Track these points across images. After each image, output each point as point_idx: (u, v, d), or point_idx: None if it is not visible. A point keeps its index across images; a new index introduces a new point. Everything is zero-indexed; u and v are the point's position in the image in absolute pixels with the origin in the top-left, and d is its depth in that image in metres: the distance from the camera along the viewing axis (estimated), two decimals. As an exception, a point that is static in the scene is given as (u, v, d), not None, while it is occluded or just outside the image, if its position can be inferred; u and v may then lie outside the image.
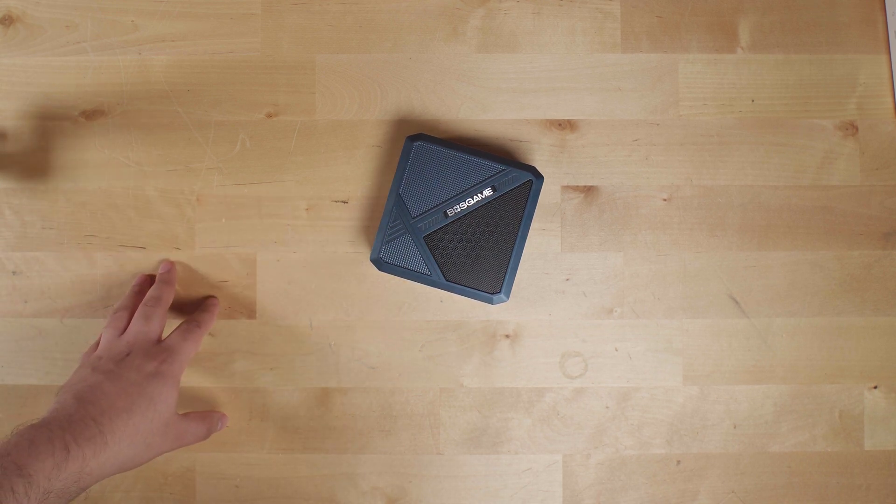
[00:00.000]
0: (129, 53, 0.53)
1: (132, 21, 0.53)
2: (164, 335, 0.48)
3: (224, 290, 0.53)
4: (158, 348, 0.46)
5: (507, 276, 0.49)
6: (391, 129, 0.53)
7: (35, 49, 0.53)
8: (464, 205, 0.49)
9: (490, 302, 0.49)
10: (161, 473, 0.52)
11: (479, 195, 0.49)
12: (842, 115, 0.53)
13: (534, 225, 0.53)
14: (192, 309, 0.52)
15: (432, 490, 0.53)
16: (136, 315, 0.47)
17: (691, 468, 0.53)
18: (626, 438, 0.53)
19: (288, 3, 0.53)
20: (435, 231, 0.49)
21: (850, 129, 0.53)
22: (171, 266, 0.52)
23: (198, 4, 0.53)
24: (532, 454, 0.53)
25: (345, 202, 0.53)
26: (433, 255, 0.49)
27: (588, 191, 0.53)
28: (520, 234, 0.48)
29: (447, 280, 0.49)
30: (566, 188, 0.53)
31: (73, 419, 0.39)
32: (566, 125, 0.53)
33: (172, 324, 0.50)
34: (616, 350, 0.53)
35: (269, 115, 0.53)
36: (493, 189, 0.49)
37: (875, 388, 0.53)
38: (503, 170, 0.49)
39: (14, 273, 0.52)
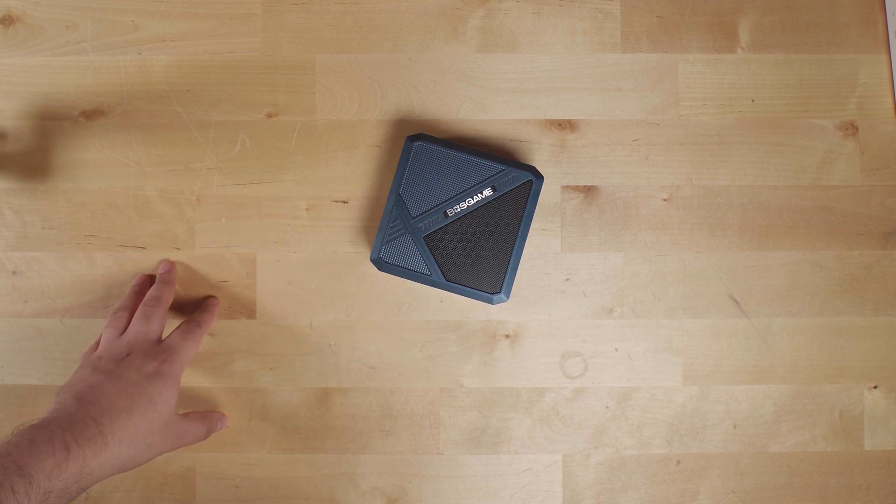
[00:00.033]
0: (129, 53, 0.53)
1: (132, 21, 0.53)
2: (165, 335, 0.48)
3: (224, 290, 0.53)
4: (159, 348, 0.46)
5: (507, 276, 0.49)
6: (391, 129, 0.53)
7: (35, 49, 0.53)
8: (464, 205, 0.49)
9: (490, 302, 0.49)
10: (161, 473, 0.52)
11: (479, 195, 0.49)
12: (842, 115, 0.53)
13: (534, 225, 0.53)
14: (192, 309, 0.52)
15: (432, 490, 0.53)
16: (136, 315, 0.47)
17: (691, 468, 0.53)
18: (626, 438, 0.53)
19: (288, 3, 0.53)
20: (435, 231, 0.49)
21: (850, 129, 0.53)
22: (171, 266, 0.52)
23: (198, 4, 0.53)
24: (532, 454, 0.53)
25: (345, 202, 0.53)
26: (433, 255, 0.49)
27: (588, 191, 0.53)
28: (520, 234, 0.48)
29: (447, 280, 0.49)
30: (566, 188, 0.53)
31: (74, 419, 0.39)
32: (566, 125, 0.53)
33: (172, 324, 0.50)
34: (616, 350, 0.53)
35: (269, 115, 0.53)
36: (493, 189, 0.49)
37: (875, 388, 0.53)
38: (503, 170, 0.49)
39: (14, 273, 0.52)
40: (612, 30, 0.53)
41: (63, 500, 0.38)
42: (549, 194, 0.53)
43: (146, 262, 0.53)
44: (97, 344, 0.47)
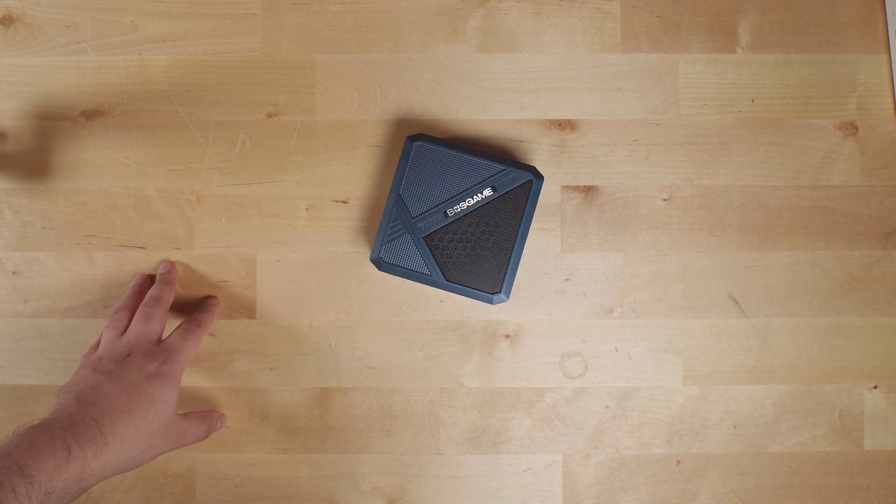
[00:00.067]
0: (129, 53, 0.53)
1: (132, 21, 0.53)
2: (165, 335, 0.48)
3: (224, 290, 0.53)
4: (159, 349, 0.46)
5: (507, 276, 0.49)
6: (391, 129, 0.53)
7: (35, 49, 0.53)
8: (464, 205, 0.49)
9: (490, 302, 0.49)
10: (161, 473, 0.52)
11: (479, 195, 0.49)
12: (842, 115, 0.53)
13: (534, 225, 0.53)
14: (192, 309, 0.52)
15: (432, 490, 0.53)
16: (136, 315, 0.47)
17: (691, 468, 0.53)
18: (626, 438, 0.53)
19: (288, 3, 0.53)
20: (435, 231, 0.49)
21: (850, 129, 0.53)
22: (171, 266, 0.52)
23: (198, 4, 0.53)
24: (532, 454, 0.53)
25: (345, 202, 0.53)
26: (433, 255, 0.49)
27: (588, 191, 0.53)
28: (520, 234, 0.48)
29: (447, 280, 0.49)
30: (566, 188, 0.53)
31: (74, 420, 0.39)
32: (566, 125, 0.53)
33: (172, 324, 0.50)
34: (616, 350, 0.53)
35: (269, 115, 0.53)
36: (493, 189, 0.49)
37: (875, 388, 0.53)
38: (503, 170, 0.49)
39: (14, 273, 0.52)
40: (612, 30, 0.53)
41: (64, 501, 0.38)
42: (549, 194, 0.53)
43: (146, 262, 0.53)
44: (97, 344, 0.48)
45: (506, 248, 0.49)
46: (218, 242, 0.53)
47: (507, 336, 0.53)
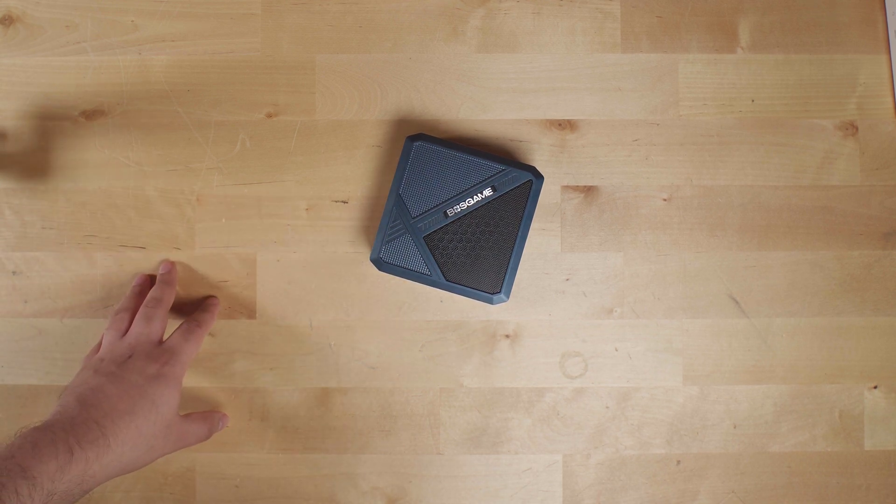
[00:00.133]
0: (129, 53, 0.53)
1: (132, 21, 0.53)
2: (165, 336, 0.48)
3: (224, 290, 0.53)
4: (160, 350, 0.46)
5: (507, 276, 0.49)
6: (391, 129, 0.53)
7: (35, 49, 0.53)
8: (464, 205, 0.49)
9: (490, 302, 0.49)
10: (161, 473, 0.52)
11: (479, 195, 0.49)
12: (842, 115, 0.53)
13: (534, 225, 0.53)
14: (193, 309, 0.52)
15: (432, 490, 0.53)
16: (137, 316, 0.47)
17: (691, 468, 0.53)
18: (626, 438, 0.53)
19: (288, 3, 0.53)
20: (435, 231, 0.49)
21: (850, 129, 0.53)
22: (171, 266, 0.52)
23: (198, 4, 0.53)
24: (532, 454, 0.53)
25: (345, 202, 0.53)
26: (433, 255, 0.49)
27: (588, 191, 0.53)
28: (520, 234, 0.49)
29: (447, 280, 0.49)
30: (566, 188, 0.53)
31: (76, 422, 0.39)
32: (566, 125, 0.53)
33: (173, 324, 0.50)
34: (616, 350, 0.53)
35: (269, 115, 0.53)
36: (493, 189, 0.49)
37: (875, 388, 0.53)
38: (503, 170, 0.49)
39: (14, 273, 0.52)
40: (612, 30, 0.53)
41: (66, 502, 0.38)
42: (549, 194, 0.53)
43: (146, 262, 0.53)
44: (99, 346, 0.48)
45: (506, 248, 0.49)
46: (218, 242, 0.53)
47: (507, 336, 0.53)
